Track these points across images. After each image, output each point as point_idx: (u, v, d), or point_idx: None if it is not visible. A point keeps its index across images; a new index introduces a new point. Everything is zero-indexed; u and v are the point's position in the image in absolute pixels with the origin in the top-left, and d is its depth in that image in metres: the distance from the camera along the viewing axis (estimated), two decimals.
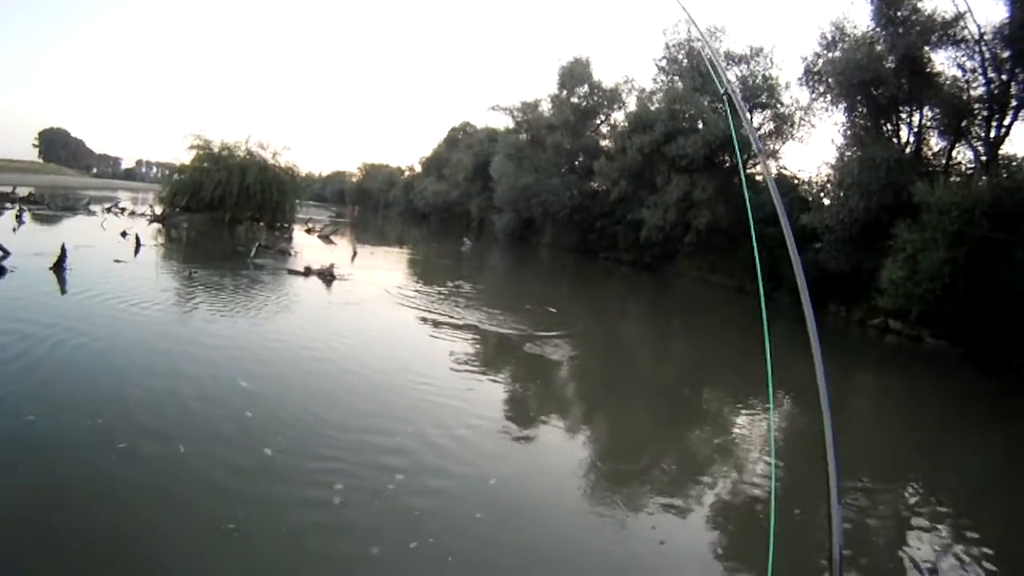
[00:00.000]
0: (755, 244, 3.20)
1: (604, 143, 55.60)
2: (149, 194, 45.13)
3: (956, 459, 12.64)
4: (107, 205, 45.65)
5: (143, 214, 41.07)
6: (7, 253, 18.26)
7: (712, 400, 15.50)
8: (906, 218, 21.99)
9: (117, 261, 20.77)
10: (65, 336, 11.52)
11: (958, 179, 25.21)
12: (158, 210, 41.29)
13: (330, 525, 6.45)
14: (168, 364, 10.85)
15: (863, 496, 9.85)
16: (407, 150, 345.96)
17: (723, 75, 3.26)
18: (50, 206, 41.59)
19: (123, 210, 42.63)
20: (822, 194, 31.07)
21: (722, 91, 3.29)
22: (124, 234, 27.47)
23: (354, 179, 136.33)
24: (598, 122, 58.23)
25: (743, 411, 13.94)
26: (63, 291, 15.97)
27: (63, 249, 18.02)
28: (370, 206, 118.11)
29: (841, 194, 27.62)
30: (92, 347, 11.27)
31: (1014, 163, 24.50)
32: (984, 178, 23.61)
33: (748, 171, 43.23)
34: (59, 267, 17.67)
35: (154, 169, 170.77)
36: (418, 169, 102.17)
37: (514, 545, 6.74)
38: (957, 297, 20.08)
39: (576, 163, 56.72)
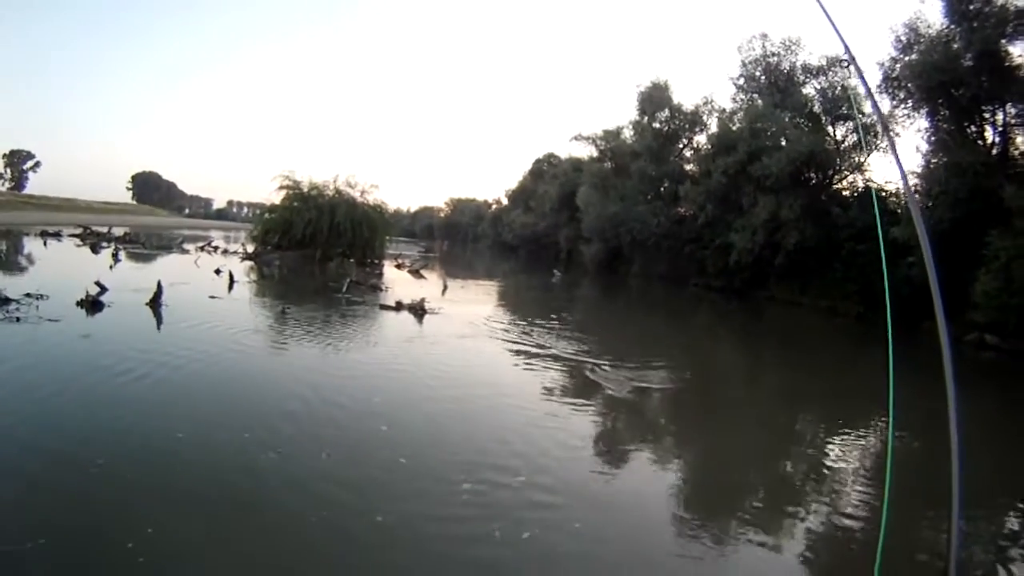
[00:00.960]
0: (884, 264, 3.08)
1: (688, 167, 55.41)
2: (241, 233, 46.74)
3: None
4: (200, 244, 47.41)
5: (235, 252, 42.55)
6: (104, 289, 19.08)
7: (814, 427, 15.22)
8: (998, 225, 21.18)
9: (212, 297, 21.54)
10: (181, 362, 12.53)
11: None
12: (250, 248, 42.68)
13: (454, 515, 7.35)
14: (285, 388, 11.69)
15: (977, 523, 9.58)
16: (493, 183, 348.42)
17: (843, 38, 3.22)
18: (145, 245, 43.49)
19: (216, 248, 44.09)
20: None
21: (844, 58, 3.29)
22: (218, 271, 28.41)
23: (442, 214, 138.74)
24: (681, 146, 58.05)
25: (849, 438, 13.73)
26: (159, 326, 16.72)
27: (159, 285, 18.70)
28: (459, 240, 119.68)
29: (929, 203, 26.64)
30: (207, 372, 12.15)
31: None
32: None
33: (836, 187, 42.59)
34: (155, 303, 18.35)
35: (245, 209, 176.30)
36: (505, 202, 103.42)
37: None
38: None
39: (661, 189, 56.34)
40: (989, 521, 9.73)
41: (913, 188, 28.93)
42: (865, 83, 2.95)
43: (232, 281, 25.54)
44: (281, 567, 5.96)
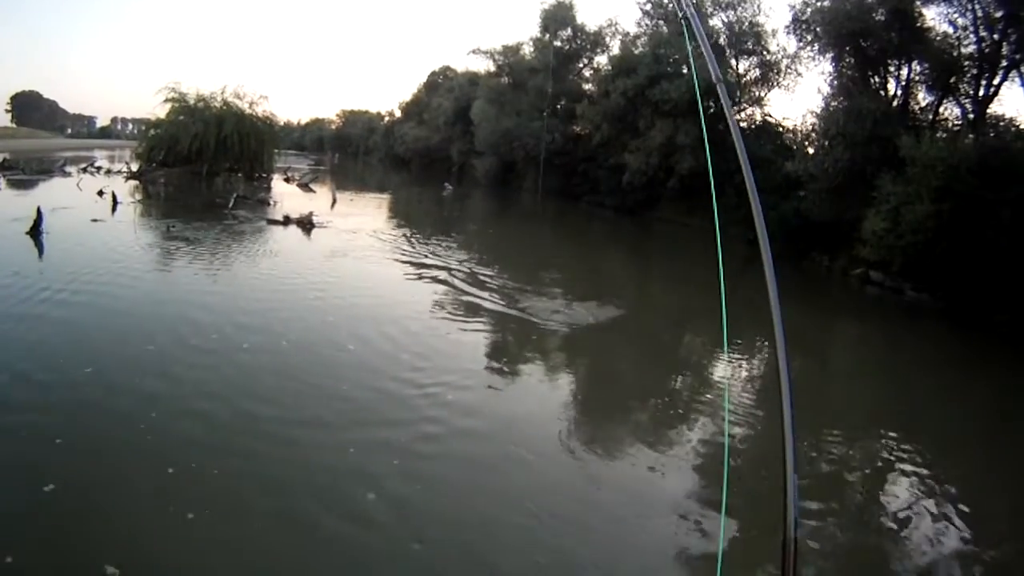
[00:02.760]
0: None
1: (587, 87, 55.03)
2: (126, 151, 44.41)
3: (933, 409, 12.68)
4: (83, 165, 44.36)
5: (120, 172, 40.25)
6: None
7: (700, 345, 15.58)
8: (891, 171, 21.76)
9: (95, 220, 20.48)
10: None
11: (944, 135, 24.75)
12: (134, 167, 40.57)
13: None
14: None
15: (840, 443, 9.88)
16: (387, 96, 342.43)
17: None
18: (24, 170, 40.69)
19: (99, 169, 41.57)
20: (806, 143, 30.77)
21: (680, 15, 3.06)
22: (101, 193, 26.91)
23: (333, 126, 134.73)
24: (581, 66, 57.73)
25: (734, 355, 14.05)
26: (40, 256, 15.85)
27: (39, 212, 17.72)
28: (350, 153, 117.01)
29: (826, 144, 27.33)
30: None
31: (1002, 123, 24.27)
32: (971, 136, 23.25)
33: (735, 118, 43.12)
34: (36, 231, 17.40)
35: (130, 126, 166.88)
36: (398, 115, 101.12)
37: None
38: (940, 251, 19.94)
39: (558, 107, 56.00)
40: (865, 440, 10.11)
41: (811, 127, 29.59)
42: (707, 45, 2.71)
43: (115, 203, 24.41)
44: None
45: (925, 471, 9.01)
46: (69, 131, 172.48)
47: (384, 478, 6.71)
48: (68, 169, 42.55)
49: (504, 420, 8.85)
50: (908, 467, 9.16)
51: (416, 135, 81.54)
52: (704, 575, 6.01)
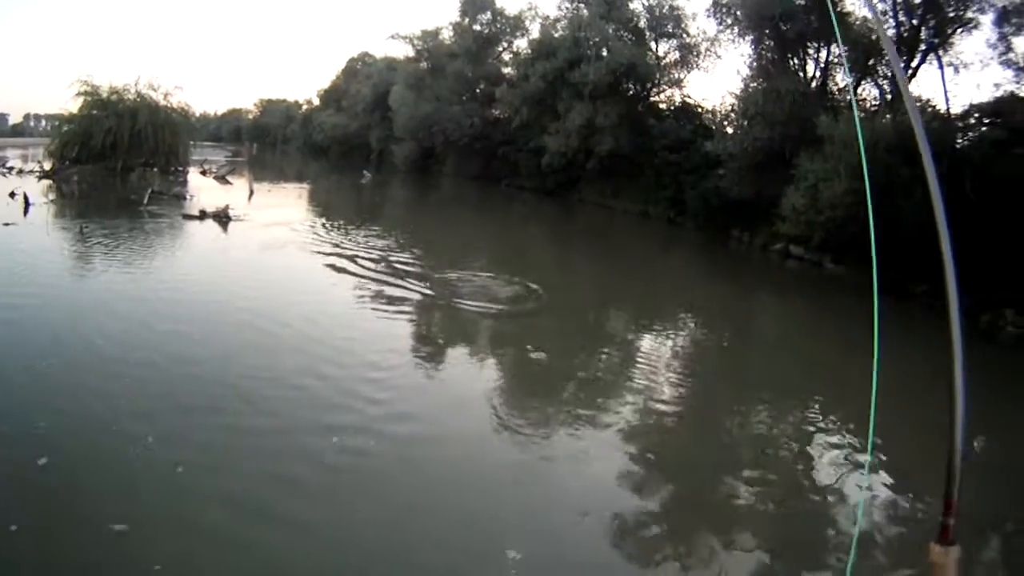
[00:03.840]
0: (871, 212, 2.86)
1: (506, 71, 55.08)
2: (39, 149, 43.01)
3: (858, 375, 13.05)
4: None
5: (32, 171, 38.73)
6: None
7: (625, 321, 15.81)
8: (809, 149, 22.34)
9: (7, 224, 19.77)
10: None
11: (863, 115, 25.35)
12: (47, 165, 39.09)
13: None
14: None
15: (768, 413, 10.18)
16: (305, 83, 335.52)
17: None
18: None
19: (11, 169, 39.64)
20: (725, 123, 31.13)
21: None
22: (12, 195, 25.83)
23: (250, 116, 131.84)
24: (500, 49, 57.87)
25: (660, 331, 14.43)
26: None
27: None
28: (268, 143, 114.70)
29: (745, 123, 27.88)
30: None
31: (919, 103, 24.94)
32: (888, 116, 23.97)
33: (653, 99, 43.98)
34: None
35: (43, 122, 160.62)
36: (316, 102, 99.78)
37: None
38: (858, 226, 20.56)
39: (477, 91, 56.33)
40: (792, 410, 10.44)
41: (730, 107, 30.07)
42: None
43: (27, 204, 23.15)
44: None
45: (853, 435, 9.34)
46: None
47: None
48: None
49: (432, 408, 8.98)
50: (837, 433, 9.49)
51: (334, 123, 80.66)
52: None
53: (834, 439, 9.40)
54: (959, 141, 21.36)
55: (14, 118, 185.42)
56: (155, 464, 6.44)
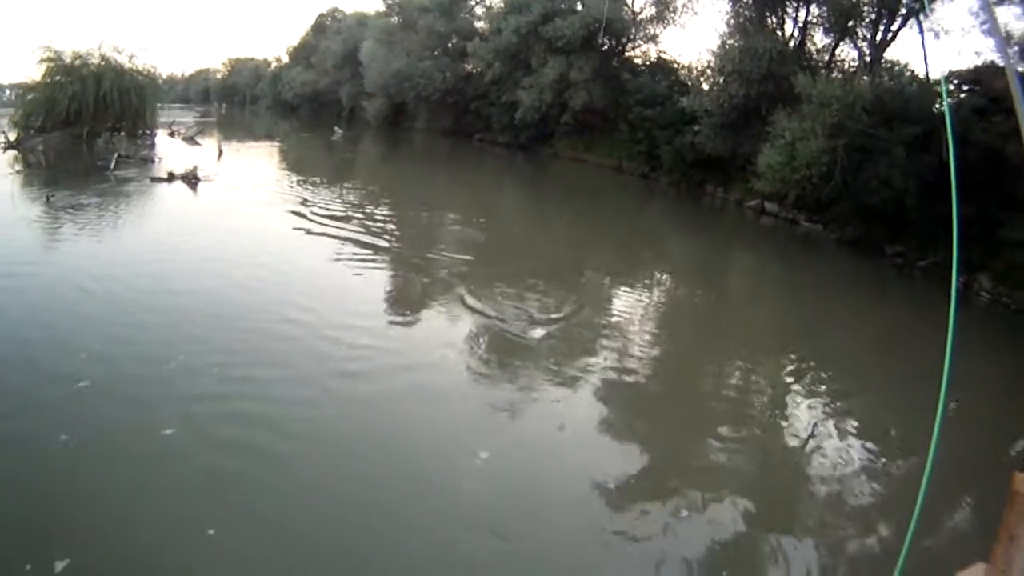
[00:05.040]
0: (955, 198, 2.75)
1: (479, 25, 54.66)
2: (3, 120, 42.08)
3: (832, 332, 13.17)
4: None
5: None
6: None
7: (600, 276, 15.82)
8: (786, 107, 22.27)
9: None
10: None
11: (840, 75, 25.48)
12: (12, 136, 38.23)
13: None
14: None
15: (746, 367, 10.21)
16: (274, 41, 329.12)
17: None
18: None
19: None
20: (702, 79, 31.19)
21: None
22: None
23: (219, 76, 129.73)
24: (473, 3, 57.16)
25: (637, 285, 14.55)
26: None
27: None
28: (237, 103, 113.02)
29: (721, 80, 27.92)
30: None
31: (897, 67, 25.43)
32: (866, 77, 24.00)
33: (627, 54, 43.67)
34: None
35: (7, 92, 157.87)
36: (285, 60, 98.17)
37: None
38: (834, 185, 20.62)
39: (449, 45, 55.67)
40: (768, 364, 10.49)
41: (707, 64, 29.96)
42: None
43: None
44: None
45: (827, 391, 9.40)
46: None
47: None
48: None
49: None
50: (811, 387, 9.56)
51: (304, 80, 79.50)
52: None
53: (809, 391, 9.46)
54: (937, 106, 21.25)
55: None
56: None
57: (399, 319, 11.08)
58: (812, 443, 8.00)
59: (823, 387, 9.68)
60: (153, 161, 28.45)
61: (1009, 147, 16.29)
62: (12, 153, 32.35)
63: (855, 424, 8.49)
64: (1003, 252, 16.33)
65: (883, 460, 7.84)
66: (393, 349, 9.43)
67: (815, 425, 8.40)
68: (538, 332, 10.28)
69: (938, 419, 2.42)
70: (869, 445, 8.01)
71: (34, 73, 39.11)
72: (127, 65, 40.95)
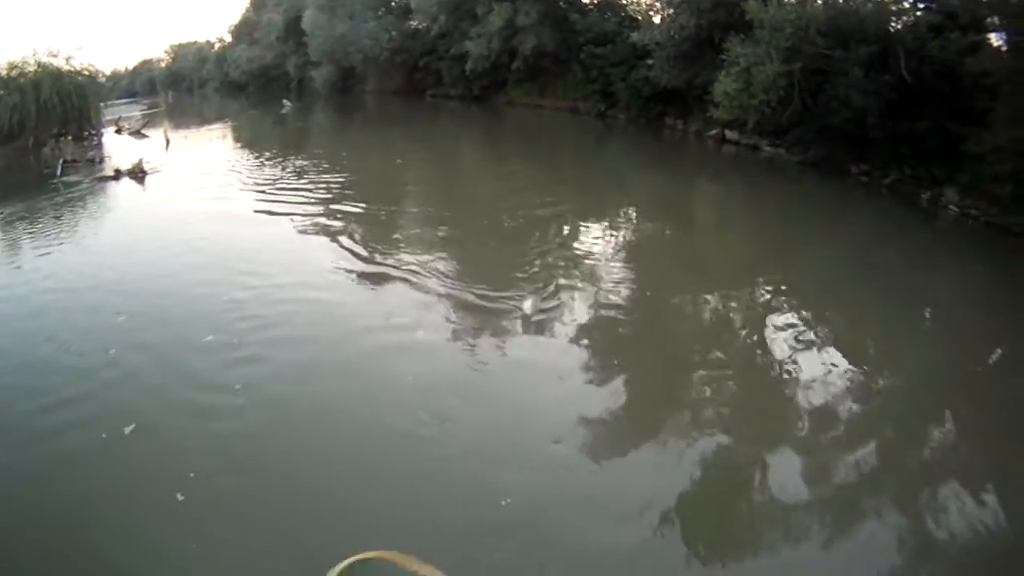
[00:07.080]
0: None
1: None
2: None
3: (803, 256, 13.14)
4: None
5: None
6: None
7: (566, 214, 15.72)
8: (739, 34, 21.97)
9: None
10: None
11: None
12: None
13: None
14: None
15: (721, 296, 10.10)
16: (215, 22, 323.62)
17: None
18: None
19: None
20: (651, 12, 31.00)
21: None
22: None
23: (163, 64, 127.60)
24: None
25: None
26: None
27: None
28: (185, 89, 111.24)
29: (671, 11, 27.67)
30: None
31: None
32: (819, 0, 23.63)
33: None
34: None
35: None
36: (229, 39, 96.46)
37: None
38: (793, 109, 20.62)
39: (392, 3, 54.99)
40: (743, 290, 10.37)
41: None
42: None
43: None
44: None
45: (803, 315, 9.34)
46: None
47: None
48: None
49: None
50: (787, 313, 9.48)
51: (249, 56, 78.18)
52: None
53: (786, 314, 9.38)
54: (892, 24, 21.03)
55: None
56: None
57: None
58: (796, 367, 7.90)
59: (801, 311, 9.60)
60: (101, 161, 27.97)
61: (967, 62, 16.55)
62: None
63: (834, 342, 8.44)
64: (967, 166, 16.26)
65: (862, 378, 7.76)
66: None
67: (796, 350, 8.31)
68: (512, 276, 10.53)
69: None
70: (850, 364, 7.93)
71: None
72: (64, 68, 40.01)
